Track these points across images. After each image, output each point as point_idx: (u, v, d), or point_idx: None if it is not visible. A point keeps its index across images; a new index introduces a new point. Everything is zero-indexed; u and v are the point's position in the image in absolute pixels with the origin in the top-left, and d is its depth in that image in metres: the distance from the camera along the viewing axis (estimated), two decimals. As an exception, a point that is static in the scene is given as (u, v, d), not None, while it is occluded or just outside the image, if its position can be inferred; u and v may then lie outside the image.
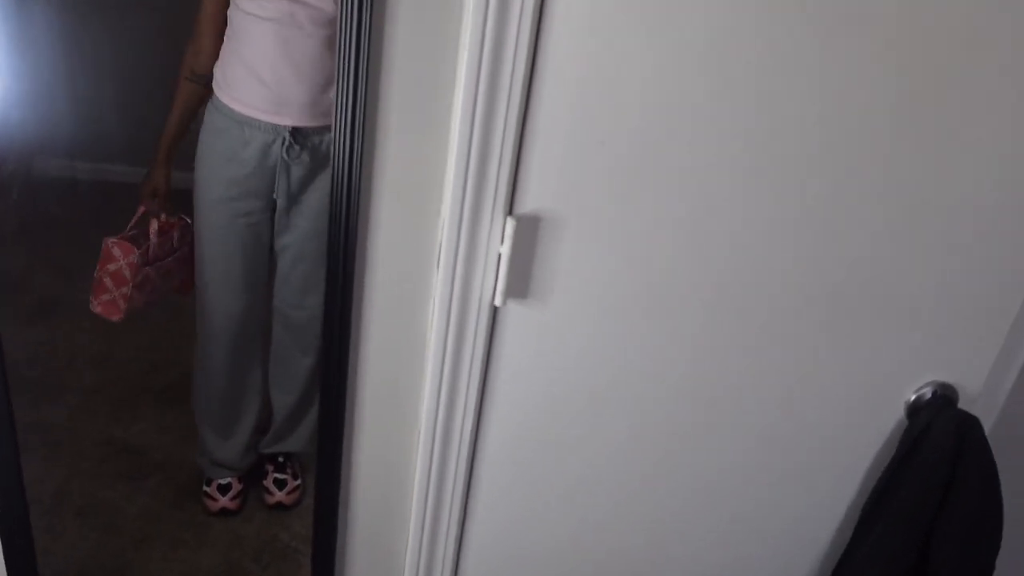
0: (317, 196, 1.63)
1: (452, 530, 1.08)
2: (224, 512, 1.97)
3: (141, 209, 1.77)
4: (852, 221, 0.97)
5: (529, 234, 0.93)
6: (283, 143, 1.56)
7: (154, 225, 1.75)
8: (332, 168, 0.91)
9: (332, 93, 1.52)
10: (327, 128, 1.57)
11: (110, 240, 1.74)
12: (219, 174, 1.62)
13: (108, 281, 1.77)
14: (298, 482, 2.03)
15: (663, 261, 0.97)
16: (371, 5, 0.82)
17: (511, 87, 0.86)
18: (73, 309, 2.67)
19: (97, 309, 1.82)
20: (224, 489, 1.97)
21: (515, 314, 0.97)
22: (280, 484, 2.01)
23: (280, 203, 1.66)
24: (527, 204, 0.92)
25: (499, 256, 0.94)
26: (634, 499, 1.12)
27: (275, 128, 1.55)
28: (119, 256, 1.73)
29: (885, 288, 1.01)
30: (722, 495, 1.14)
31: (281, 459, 2.04)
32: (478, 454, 1.04)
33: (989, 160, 0.94)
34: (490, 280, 0.95)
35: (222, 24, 1.56)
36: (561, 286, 0.96)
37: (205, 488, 1.99)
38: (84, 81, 3.32)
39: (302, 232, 1.69)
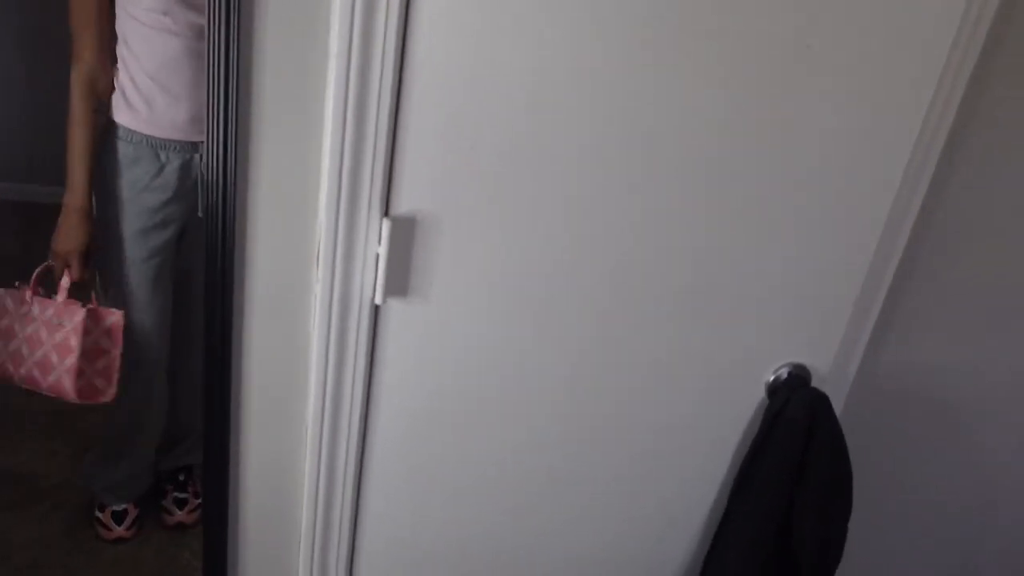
0: None
1: (344, 534, 1.10)
2: (120, 541, 1.90)
3: (46, 265, 1.57)
4: (709, 217, 1.05)
5: (406, 234, 0.97)
6: (202, 159, 1.50)
7: (65, 281, 1.54)
8: (206, 177, 0.93)
9: None
10: None
11: (53, 307, 1.51)
12: (134, 206, 1.53)
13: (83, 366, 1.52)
14: (199, 500, 1.99)
15: (537, 258, 1.02)
16: (239, 13, 0.85)
17: (380, 91, 0.89)
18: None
19: (71, 394, 1.54)
20: (119, 517, 1.90)
21: (397, 312, 1.01)
22: (180, 503, 1.97)
23: (193, 222, 1.60)
24: (402, 205, 0.96)
25: (377, 256, 0.97)
26: (518, 487, 1.17)
27: (193, 145, 1.50)
28: (10, 307, 1.53)
29: (741, 279, 1.10)
30: (600, 485, 1.20)
31: (182, 477, 1.99)
32: (367, 454, 1.07)
33: (823, 158, 1.03)
34: (369, 279, 0.98)
35: (112, 43, 1.48)
36: (441, 284, 1.01)
37: (98, 515, 1.92)
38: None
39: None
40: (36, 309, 1.50)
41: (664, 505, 1.24)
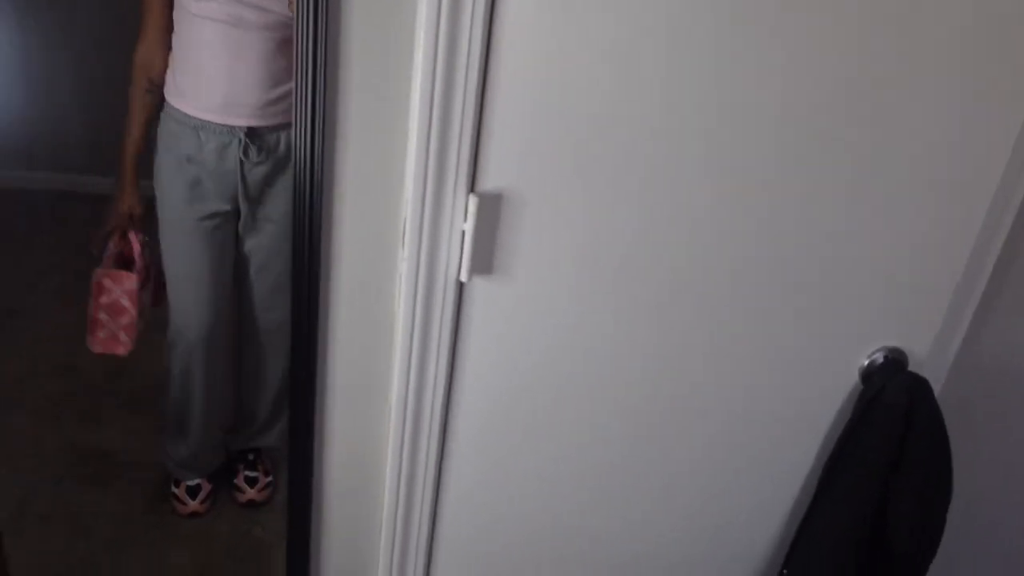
0: (282, 198, 1.64)
1: (426, 509, 1.09)
2: (194, 515, 1.96)
3: (108, 229, 1.73)
4: (805, 197, 1.01)
5: (492, 211, 0.96)
6: (240, 144, 1.56)
7: (136, 246, 1.72)
8: (294, 154, 0.93)
9: (284, 92, 1.55)
10: (282, 127, 1.59)
11: (99, 271, 1.70)
12: (179, 178, 1.62)
13: (104, 316, 1.72)
14: (269, 479, 2.03)
15: (624, 236, 1.00)
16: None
17: (467, 68, 0.88)
18: (35, 318, 2.64)
19: (97, 348, 1.76)
20: (193, 492, 1.96)
21: (481, 290, 1.00)
22: (251, 481, 2.01)
23: (244, 206, 1.66)
24: (488, 182, 0.94)
25: (463, 233, 0.96)
26: (602, 474, 1.15)
27: (230, 130, 1.56)
28: (111, 287, 1.69)
29: (837, 261, 1.05)
30: (687, 467, 1.17)
31: (251, 456, 2.03)
32: (449, 432, 1.06)
33: (931, 136, 0.98)
34: (455, 257, 0.97)
35: (170, 30, 1.56)
36: (525, 261, 0.99)
37: (174, 490, 1.98)
38: (40, 90, 3.27)
39: (269, 235, 1.70)
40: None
41: (750, 491, 1.20)
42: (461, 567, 1.18)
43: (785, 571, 1.24)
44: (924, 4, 0.90)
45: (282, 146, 1.61)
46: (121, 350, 1.74)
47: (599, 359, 1.05)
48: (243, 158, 1.58)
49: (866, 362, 1.12)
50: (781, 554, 1.25)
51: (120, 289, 1.69)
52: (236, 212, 1.69)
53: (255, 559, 1.92)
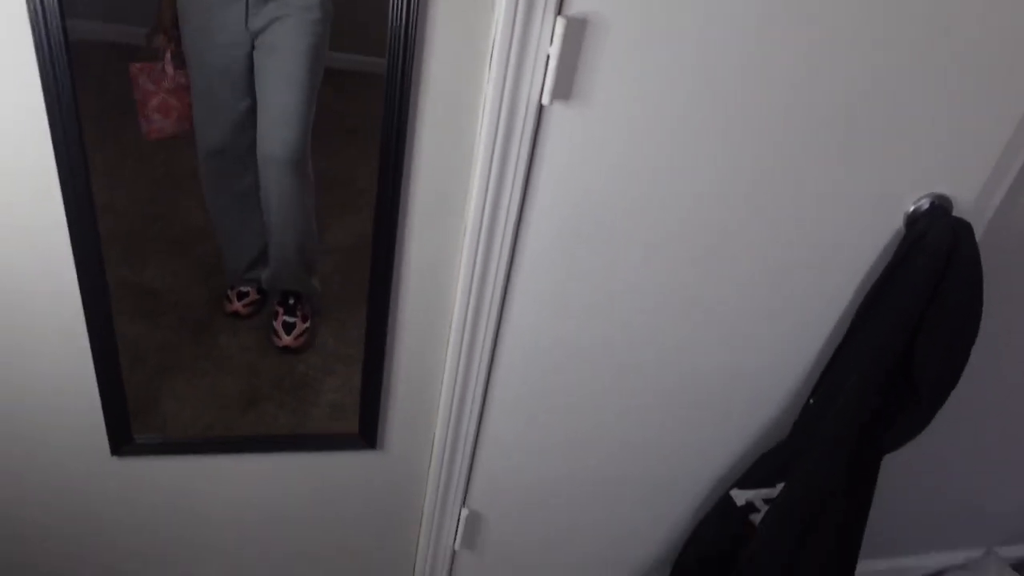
0: (281, 24, 1.63)
1: (492, 319, 1.18)
2: (235, 315, 2.03)
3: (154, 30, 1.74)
4: (858, 40, 1.03)
5: (576, 35, 0.99)
6: None
7: (167, 55, 1.74)
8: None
9: None
10: None
11: (135, 66, 1.67)
12: (190, 5, 1.63)
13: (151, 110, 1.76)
14: (307, 325, 2.11)
15: (698, 71, 1.03)
16: None
17: None
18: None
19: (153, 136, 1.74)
20: (242, 295, 2.03)
21: (559, 114, 1.04)
22: (288, 328, 2.08)
23: (248, 35, 1.67)
24: (576, 5, 0.97)
25: (547, 57, 0.99)
26: (654, 299, 1.23)
27: None
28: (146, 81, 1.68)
29: (887, 105, 1.10)
30: (730, 300, 1.26)
31: (291, 301, 2.11)
32: (518, 252, 1.13)
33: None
34: (538, 80, 1.01)
35: None
36: (603, 89, 1.03)
37: (227, 292, 2.05)
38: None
39: (272, 64, 1.70)
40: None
41: (790, 322, 1.29)
42: (519, 376, 1.28)
43: (811, 400, 1.35)
44: None
45: None
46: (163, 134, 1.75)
47: (662, 187, 1.11)
48: None
49: (912, 208, 1.18)
50: (811, 383, 1.36)
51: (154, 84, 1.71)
52: (249, 43, 1.70)
53: (302, 388, 2.05)
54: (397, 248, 1.12)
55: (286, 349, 2.08)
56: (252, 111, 1.80)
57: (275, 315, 2.10)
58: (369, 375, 1.32)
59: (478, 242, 1.10)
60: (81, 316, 1.16)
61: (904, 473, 1.70)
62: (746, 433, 1.45)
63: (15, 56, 0.95)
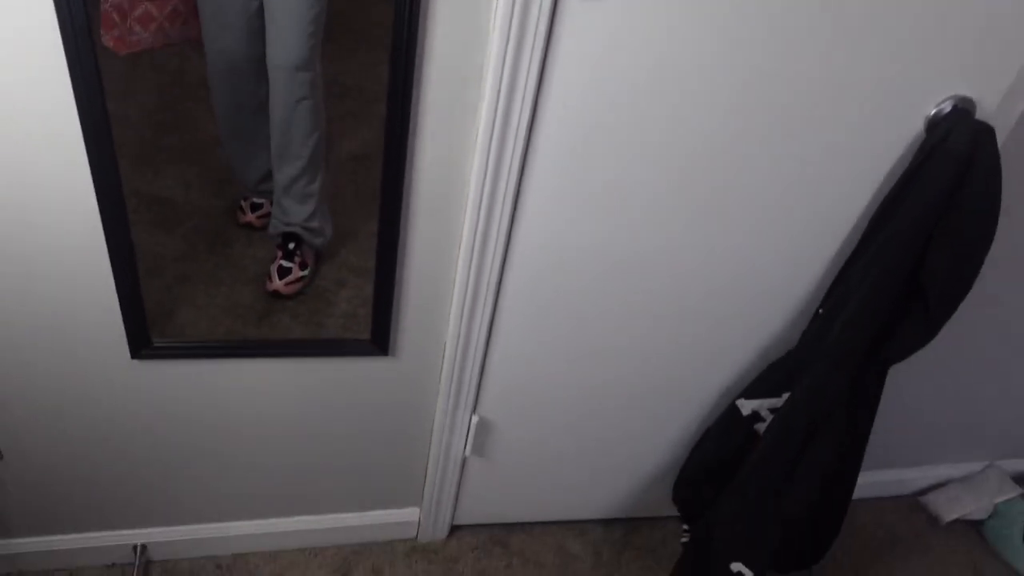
0: None
1: (504, 220, 1.18)
2: (248, 226, 2.01)
3: None
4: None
5: (593, -77, 0.95)
6: None
7: None
8: None
9: None
10: None
11: None
12: None
13: (115, 15, 1.71)
14: (304, 273, 2.07)
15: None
16: None
17: None
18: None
19: (108, 43, 1.60)
20: (255, 207, 2.01)
21: (572, 8, 1.01)
22: (283, 272, 2.03)
23: None
24: None
25: (562, -54, 0.96)
26: (665, 201, 1.22)
27: None
28: None
29: (912, 3, 1.05)
30: (741, 201, 1.24)
31: (292, 245, 2.07)
32: (530, 150, 1.12)
33: None
34: (554, -31, 0.97)
35: None
36: (620, -19, 1.00)
37: (240, 202, 2.02)
38: None
39: None
40: None
41: (803, 229, 1.29)
42: (530, 282, 1.29)
43: (820, 309, 1.35)
44: None
45: None
46: (122, 51, 1.64)
47: (680, 85, 1.09)
48: None
49: (933, 111, 1.16)
50: (819, 296, 1.36)
51: None
52: None
53: (315, 299, 2.07)
54: (408, 151, 1.12)
55: (275, 294, 2.02)
56: (261, 15, 1.76)
57: (273, 258, 2.07)
58: (381, 281, 1.34)
59: (491, 141, 1.09)
60: (98, 223, 1.18)
61: (907, 386, 1.72)
62: (754, 341, 1.46)
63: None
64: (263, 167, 2.01)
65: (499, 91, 1.05)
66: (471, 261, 1.24)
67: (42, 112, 1.03)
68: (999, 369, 1.79)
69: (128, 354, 1.33)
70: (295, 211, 2.05)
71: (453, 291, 1.31)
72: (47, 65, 1.00)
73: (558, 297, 1.33)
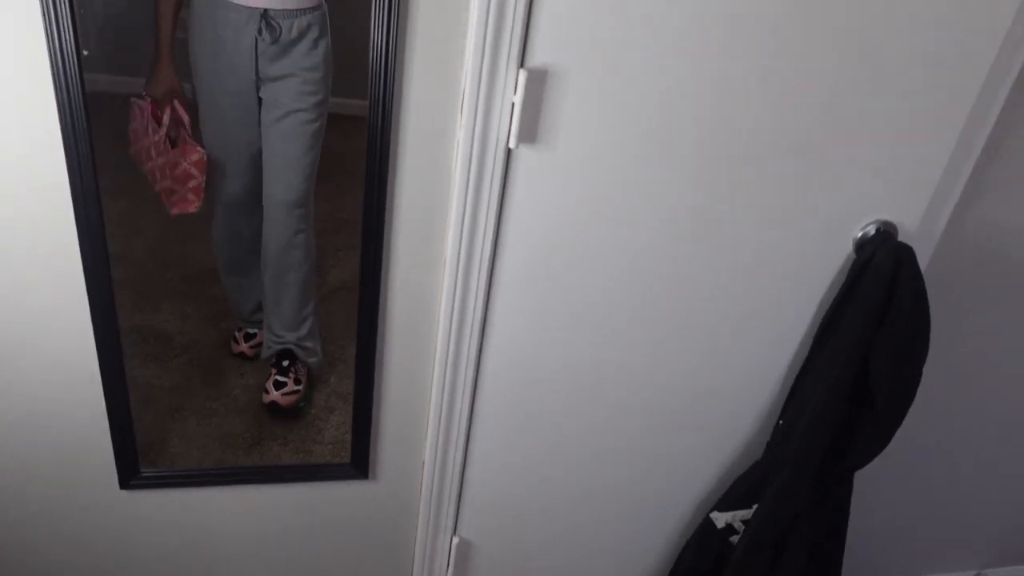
0: (290, 80, 1.77)
1: (473, 343, 1.27)
2: (242, 356, 2.10)
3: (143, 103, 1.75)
4: (807, 78, 1.14)
5: (538, 85, 1.10)
6: (254, 24, 1.66)
7: (185, 116, 1.80)
8: (371, 30, 1.07)
9: None
10: (294, 13, 1.71)
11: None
12: (205, 52, 1.76)
13: (171, 183, 1.82)
14: (298, 387, 2.15)
15: (650, 113, 1.14)
16: None
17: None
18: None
19: (174, 212, 1.81)
20: (249, 337, 2.10)
21: (526, 157, 1.15)
22: (279, 386, 2.12)
23: (259, 84, 1.80)
24: (536, 58, 1.08)
25: (512, 104, 1.10)
26: (622, 325, 1.32)
27: (247, 11, 1.70)
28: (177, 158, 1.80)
29: (835, 138, 1.20)
30: (695, 323, 1.34)
31: (286, 363, 2.16)
32: (495, 279, 1.23)
33: (920, 20, 1.10)
34: (505, 126, 1.11)
35: None
36: (565, 132, 1.14)
37: (235, 332, 2.12)
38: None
39: (277, 113, 1.83)
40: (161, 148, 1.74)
41: (755, 348, 1.37)
42: (502, 399, 1.36)
43: (780, 421, 1.42)
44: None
45: (293, 31, 1.73)
46: (192, 208, 1.78)
47: (621, 218, 1.21)
48: (257, 37, 1.72)
49: (860, 233, 1.28)
50: (780, 404, 1.43)
51: (187, 161, 1.78)
52: (257, 93, 1.83)
53: (305, 427, 2.12)
54: (382, 281, 1.23)
55: (273, 405, 2.05)
56: (256, 160, 1.93)
57: (268, 375, 2.16)
58: (359, 404, 1.41)
59: (457, 269, 1.20)
60: (95, 361, 1.27)
61: (890, 494, 1.75)
62: (723, 455, 1.51)
63: (38, 109, 1.06)
64: (257, 297, 2.13)
65: (463, 224, 1.17)
66: (444, 383, 1.32)
67: (47, 254, 1.14)
68: (981, 474, 1.83)
69: (117, 484, 1.39)
70: (289, 333, 2.14)
71: (429, 413, 1.38)
72: (54, 206, 1.13)
73: (531, 415, 1.40)
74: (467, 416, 1.37)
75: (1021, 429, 1.69)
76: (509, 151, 1.14)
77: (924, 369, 1.28)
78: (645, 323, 1.31)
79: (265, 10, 1.66)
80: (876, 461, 1.38)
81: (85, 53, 1.10)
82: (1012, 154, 1.30)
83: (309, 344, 2.16)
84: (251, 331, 2.12)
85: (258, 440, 2.08)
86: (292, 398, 2.13)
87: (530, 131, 1.13)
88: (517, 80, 1.09)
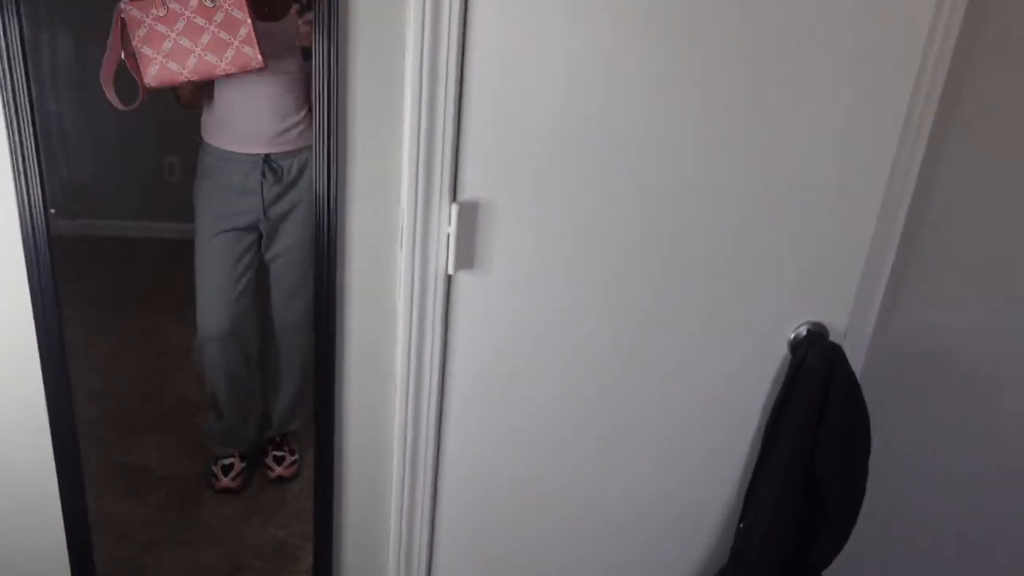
0: (295, 214, 1.92)
1: (429, 461, 1.31)
2: (227, 491, 2.17)
3: None
4: (731, 186, 1.23)
5: (470, 216, 1.19)
6: (259, 168, 1.86)
7: None
8: (313, 177, 1.17)
9: (292, 123, 1.83)
10: (293, 153, 1.88)
11: (122, 5, 1.42)
12: (211, 200, 1.91)
13: (147, 49, 1.46)
14: (295, 457, 2.26)
15: (577, 230, 1.22)
16: (337, 56, 1.09)
17: (445, 106, 1.13)
18: (72, 352, 2.86)
19: (153, 83, 1.45)
20: (227, 469, 2.18)
21: (465, 282, 1.22)
22: (279, 460, 2.24)
23: (263, 222, 1.94)
24: (466, 192, 1.18)
25: (448, 235, 1.19)
26: (571, 436, 1.35)
27: (252, 157, 1.85)
28: (141, 17, 1.46)
29: (759, 247, 1.27)
30: (642, 432, 1.37)
31: (278, 439, 2.26)
32: (445, 398, 1.28)
33: (819, 136, 1.21)
34: (443, 254, 1.20)
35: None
36: (499, 257, 1.22)
37: (212, 468, 2.20)
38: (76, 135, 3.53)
39: (286, 244, 1.97)
40: (176, 5, 1.47)
41: (705, 454, 1.40)
42: (461, 516, 1.38)
43: (741, 524, 1.43)
44: (808, 35, 1.14)
45: (294, 169, 1.90)
46: (254, 64, 1.43)
47: (559, 334, 1.27)
48: (260, 179, 1.87)
49: (792, 335, 1.33)
50: (739, 506, 1.45)
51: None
52: (258, 228, 1.97)
53: (281, 556, 2.11)
54: (336, 412, 1.27)
55: (280, 479, 2.21)
56: (246, 292, 2.04)
57: (264, 454, 2.24)
58: (319, 525, 1.42)
59: (407, 392, 1.25)
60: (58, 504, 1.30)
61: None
62: (688, 561, 1.51)
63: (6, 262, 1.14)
64: (240, 419, 2.20)
65: (410, 346, 1.23)
66: (403, 505, 1.34)
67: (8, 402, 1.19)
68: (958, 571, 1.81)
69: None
70: (290, 419, 2.25)
71: (390, 531, 1.39)
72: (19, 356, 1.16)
73: (490, 525, 1.41)
74: (428, 534, 1.38)
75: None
76: (449, 278, 1.21)
77: (871, 464, 1.31)
78: (592, 431, 1.35)
79: (267, 154, 1.86)
80: (842, 559, 1.38)
81: (52, 211, 1.19)
82: (928, 253, 1.38)
83: (301, 422, 2.25)
84: (227, 461, 2.17)
85: (235, 570, 2.06)
86: (293, 468, 2.22)
87: (466, 258, 1.21)
88: (451, 213, 1.17)
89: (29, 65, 1.06)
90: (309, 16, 1.62)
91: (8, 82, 1.06)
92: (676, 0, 1.11)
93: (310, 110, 1.79)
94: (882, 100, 1.19)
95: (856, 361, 1.33)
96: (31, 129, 1.09)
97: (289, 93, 1.81)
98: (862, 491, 1.32)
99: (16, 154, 1.10)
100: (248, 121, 1.83)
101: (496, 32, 1.11)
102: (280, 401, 2.24)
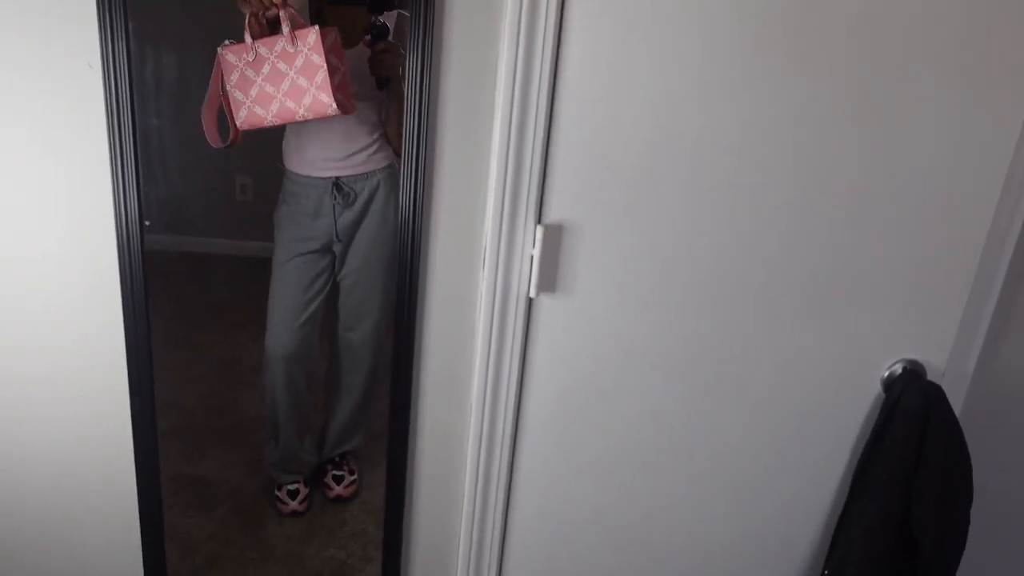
0: (366, 235, 1.96)
1: (502, 485, 1.28)
2: (294, 514, 2.19)
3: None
4: (826, 218, 1.18)
5: (554, 239, 1.17)
6: (329, 191, 1.90)
7: (283, 13, 1.50)
8: (402, 199, 1.17)
9: (361, 147, 1.88)
10: (362, 176, 1.91)
11: (221, 50, 1.51)
12: (290, 224, 1.95)
13: (238, 94, 1.55)
14: (354, 477, 2.26)
15: (663, 258, 1.19)
16: (430, 75, 1.10)
17: (535, 132, 1.12)
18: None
19: (243, 127, 1.54)
20: (293, 494, 2.20)
21: (546, 305, 1.20)
22: (338, 480, 2.24)
23: (336, 243, 1.98)
24: (552, 215, 1.16)
25: (531, 257, 1.17)
26: (651, 470, 1.31)
27: (323, 181, 1.89)
28: (235, 62, 1.54)
29: (856, 278, 1.22)
30: (724, 468, 1.32)
31: (337, 459, 2.27)
32: (520, 426, 1.25)
33: (928, 160, 1.15)
34: (525, 277, 1.18)
35: None
36: (582, 282, 1.19)
37: (277, 493, 2.22)
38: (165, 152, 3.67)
39: (355, 265, 2.01)
40: (263, 49, 1.53)
41: (788, 494, 1.34)
42: (531, 545, 1.34)
43: (826, 572, 1.35)
44: (916, 52, 1.09)
45: (365, 192, 1.94)
46: (329, 111, 1.45)
47: (641, 363, 1.23)
48: (333, 202, 1.91)
49: (886, 373, 1.27)
50: (823, 552, 1.37)
51: (305, 46, 1.49)
52: (331, 249, 2.01)
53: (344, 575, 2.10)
54: (411, 429, 1.25)
55: (338, 499, 2.19)
56: (316, 315, 2.07)
57: (324, 473, 2.25)
58: (389, 551, 1.40)
59: (483, 414, 1.23)
60: (136, 513, 1.31)
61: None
62: (767, 608, 1.44)
63: (101, 270, 1.18)
64: (300, 443, 2.22)
65: (487, 369, 1.21)
66: (472, 531, 1.31)
67: (97, 401, 1.21)
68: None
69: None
70: (348, 438, 2.23)
71: (458, 558, 1.36)
72: (108, 360, 1.20)
73: (561, 565, 1.37)
74: (497, 561, 1.35)
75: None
76: (530, 300, 1.19)
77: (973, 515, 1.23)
78: (672, 465, 1.30)
79: (338, 177, 1.92)
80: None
81: (147, 223, 1.22)
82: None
83: (361, 441, 2.24)
84: (292, 487, 2.19)
85: (294, 591, 2.06)
86: (353, 487, 2.20)
87: (549, 281, 1.19)
88: (535, 235, 1.16)
89: (134, 80, 1.09)
90: (381, 45, 1.65)
91: (113, 97, 1.09)
92: (772, 36, 1.09)
93: (382, 134, 1.82)
94: (991, 131, 1.13)
95: (955, 403, 1.25)
96: (131, 143, 1.12)
97: (359, 119, 1.85)
98: (963, 541, 1.23)
99: (116, 166, 1.13)
100: (320, 146, 1.89)
101: (587, 63, 1.10)
102: (338, 419, 2.25)
